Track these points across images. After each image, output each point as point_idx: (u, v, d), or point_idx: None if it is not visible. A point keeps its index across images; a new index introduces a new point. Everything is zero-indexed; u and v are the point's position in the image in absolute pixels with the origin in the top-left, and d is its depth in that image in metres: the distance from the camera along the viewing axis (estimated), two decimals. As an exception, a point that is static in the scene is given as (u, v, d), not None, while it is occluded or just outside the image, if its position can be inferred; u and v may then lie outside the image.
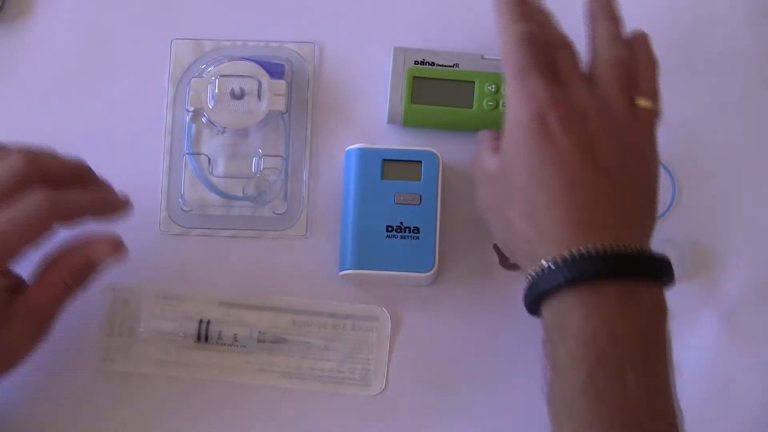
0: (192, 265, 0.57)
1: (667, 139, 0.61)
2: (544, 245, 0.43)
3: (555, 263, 0.42)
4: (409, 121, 0.58)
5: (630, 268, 0.43)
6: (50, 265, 0.48)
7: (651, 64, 0.49)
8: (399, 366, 0.58)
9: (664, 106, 0.62)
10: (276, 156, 0.60)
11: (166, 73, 0.62)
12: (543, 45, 0.47)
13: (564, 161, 0.44)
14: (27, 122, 0.62)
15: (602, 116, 0.46)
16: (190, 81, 0.61)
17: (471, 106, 0.56)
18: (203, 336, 0.57)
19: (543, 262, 0.43)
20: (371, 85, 0.62)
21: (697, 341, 0.58)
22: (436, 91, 0.57)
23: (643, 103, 0.48)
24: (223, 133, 0.60)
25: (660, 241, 0.60)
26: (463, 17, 0.63)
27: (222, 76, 0.60)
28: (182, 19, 0.63)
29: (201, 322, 0.57)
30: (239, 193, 0.59)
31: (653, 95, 0.48)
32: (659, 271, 0.44)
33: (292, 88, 0.61)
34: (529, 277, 0.44)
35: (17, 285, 0.47)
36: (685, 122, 0.62)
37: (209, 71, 0.61)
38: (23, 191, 0.46)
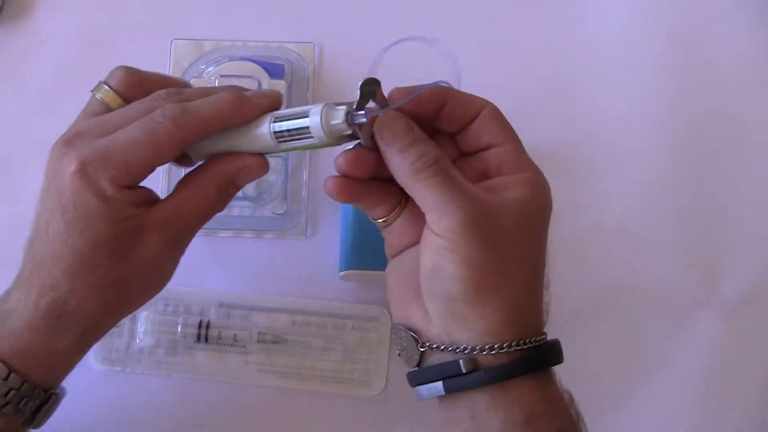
0: (192, 266, 0.57)
1: (668, 139, 0.62)
2: (525, 322, 0.40)
3: (547, 343, 0.40)
4: None
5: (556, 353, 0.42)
6: (193, 177, 0.43)
7: None
8: (399, 366, 0.58)
9: (668, 109, 0.62)
10: (276, 156, 0.60)
11: (166, 74, 0.62)
12: None
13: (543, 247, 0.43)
14: (27, 122, 0.62)
15: None
16: (190, 81, 0.61)
17: None
18: (203, 336, 0.57)
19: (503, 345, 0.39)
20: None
21: (697, 341, 0.59)
22: None
23: None
24: (222, 133, 0.60)
25: (661, 240, 0.60)
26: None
27: (222, 76, 0.60)
28: (182, 19, 0.63)
29: (201, 322, 0.57)
30: (239, 194, 0.59)
31: None
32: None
33: (292, 88, 0.61)
34: (468, 349, 0.39)
35: (149, 198, 0.42)
36: (685, 123, 0.62)
37: (209, 71, 0.61)
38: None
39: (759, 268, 0.60)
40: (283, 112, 0.42)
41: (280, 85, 0.60)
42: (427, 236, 0.39)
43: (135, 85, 0.44)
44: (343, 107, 0.40)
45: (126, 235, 0.40)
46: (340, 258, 0.57)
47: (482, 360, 0.39)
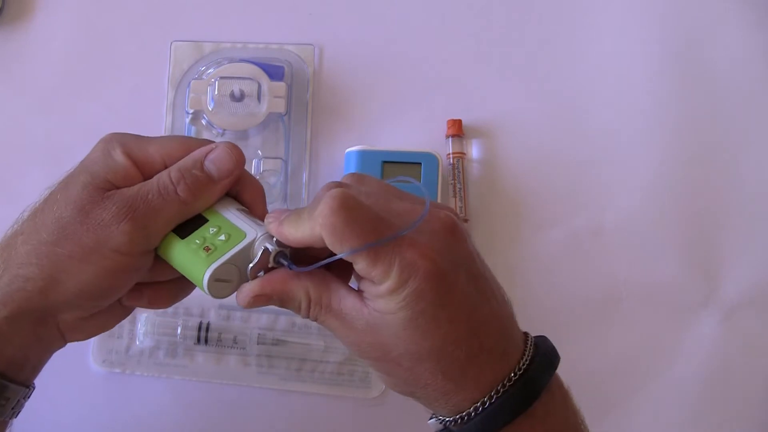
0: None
1: (669, 140, 0.62)
2: (467, 392, 0.39)
3: (488, 407, 0.38)
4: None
5: (544, 377, 0.40)
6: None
7: None
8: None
9: (668, 110, 0.62)
10: (276, 158, 0.60)
11: (165, 76, 0.62)
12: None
13: (471, 308, 0.39)
14: (27, 124, 0.62)
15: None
16: (189, 83, 0.61)
17: (183, 237, 0.41)
18: (203, 338, 0.57)
19: (470, 410, 0.39)
20: (371, 86, 0.62)
21: (697, 341, 0.59)
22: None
23: None
24: (222, 135, 0.60)
25: (661, 241, 0.60)
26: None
27: (222, 78, 0.60)
28: (182, 21, 0.63)
29: (201, 324, 0.57)
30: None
31: None
32: (555, 361, 0.42)
33: (292, 90, 0.61)
34: (454, 421, 0.39)
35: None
36: (685, 124, 0.62)
37: (209, 73, 0.61)
38: None
39: (759, 269, 0.60)
40: None
41: (280, 87, 0.60)
42: None
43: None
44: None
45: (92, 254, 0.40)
46: (340, 259, 0.57)
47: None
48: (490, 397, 0.38)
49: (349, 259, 0.37)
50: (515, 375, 0.39)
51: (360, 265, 0.37)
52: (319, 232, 0.37)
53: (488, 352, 0.39)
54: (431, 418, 0.41)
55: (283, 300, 0.40)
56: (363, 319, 0.38)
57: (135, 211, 0.39)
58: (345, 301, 0.39)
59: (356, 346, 0.39)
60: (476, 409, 0.39)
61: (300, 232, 0.38)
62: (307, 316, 0.40)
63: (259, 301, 0.40)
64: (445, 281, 0.37)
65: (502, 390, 0.38)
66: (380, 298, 0.37)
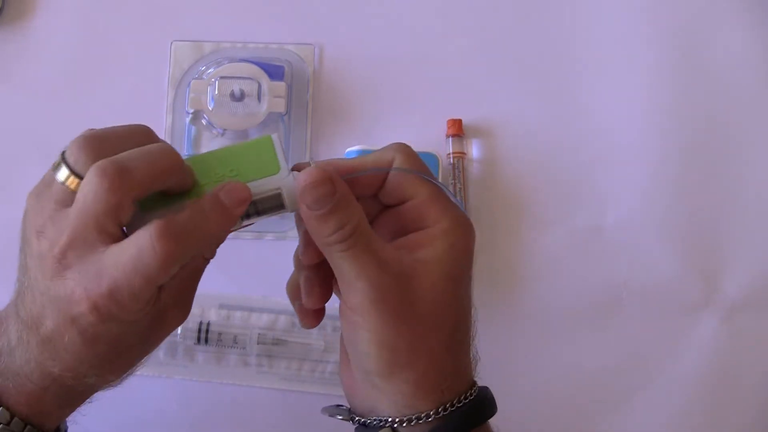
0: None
1: (669, 140, 0.62)
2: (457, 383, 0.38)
3: (473, 401, 0.38)
4: None
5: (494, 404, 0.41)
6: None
7: None
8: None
9: (668, 110, 0.62)
10: (276, 158, 0.60)
11: (165, 75, 0.62)
12: None
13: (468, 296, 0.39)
14: (27, 124, 0.62)
15: None
16: (190, 83, 0.61)
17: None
18: (203, 338, 0.57)
19: (455, 402, 0.38)
20: (371, 86, 0.62)
21: (697, 341, 0.59)
22: None
23: None
24: (223, 135, 0.61)
25: (661, 241, 0.60)
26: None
27: (222, 77, 0.60)
28: (182, 20, 0.63)
29: (201, 323, 0.57)
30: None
31: None
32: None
33: (292, 89, 0.61)
34: (438, 413, 0.38)
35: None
36: (685, 124, 0.62)
37: (209, 73, 0.61)
38: None
39: (759, 270, 0.60)
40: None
41: (280, 87, 0.60)
42: (341, 307, 0.38)
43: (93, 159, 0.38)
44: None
45: (146, 334, 0.39)
46: (341, 259, 0.57)
47: (403, 431, 0.38)
48: (452, 404, 0.37)
49: (417, 182, 0.38)
50: (474, 391, 0.39)
51: (423, 196, 0.38)
52: (392, 156, 0.39)
53: (463, 355, 0.39)
54: (380, 428, 0.39)
55: (340, 205, 0.36)
56: (399, 266, 0.36)
57: (185, 303, 0.40)
58: (385, 247, 0.37)
59: (379, 289, 0.36)
60: (437, 412, 0.37)
61: (359, 161, 0.39)
62: (341, 241, 0.36)
63: (324, 186, 0.35)
64: (471, 255, 0.39)
65: (469, 395, 0.38)
66: (432, 241, 0.37)
